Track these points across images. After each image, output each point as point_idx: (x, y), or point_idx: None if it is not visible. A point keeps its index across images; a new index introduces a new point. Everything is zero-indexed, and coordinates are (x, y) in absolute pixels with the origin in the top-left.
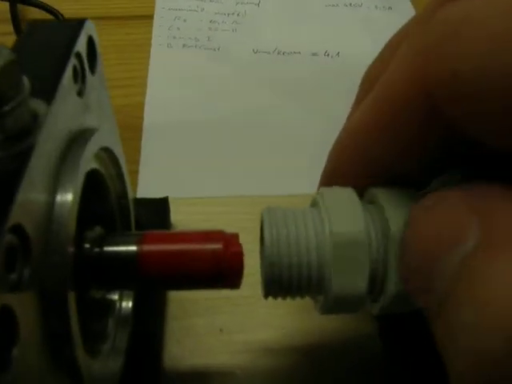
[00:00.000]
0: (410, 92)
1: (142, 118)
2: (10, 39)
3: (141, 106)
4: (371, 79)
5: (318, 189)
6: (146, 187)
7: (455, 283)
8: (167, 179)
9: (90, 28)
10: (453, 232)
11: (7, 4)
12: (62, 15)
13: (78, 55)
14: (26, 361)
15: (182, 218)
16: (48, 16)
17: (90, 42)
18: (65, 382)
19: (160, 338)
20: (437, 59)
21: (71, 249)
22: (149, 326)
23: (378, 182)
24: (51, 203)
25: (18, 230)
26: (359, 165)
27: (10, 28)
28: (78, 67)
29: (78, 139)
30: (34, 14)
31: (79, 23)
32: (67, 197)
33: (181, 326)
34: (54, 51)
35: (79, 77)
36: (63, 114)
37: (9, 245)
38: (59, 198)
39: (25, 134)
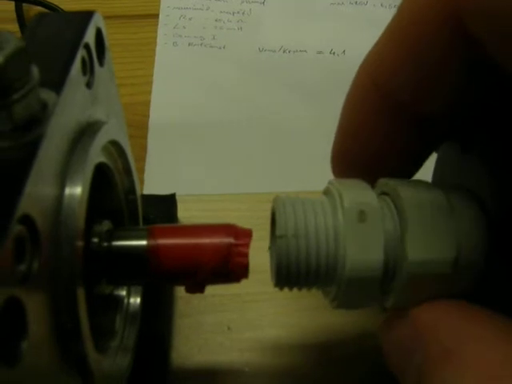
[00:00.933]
0: (434, 9)
1: (147, 116)
2: None
3: (147, 104)
4: None
5: (333, 150)
6: (152, 184)
7: None
8: (173, 176)
9: (98, 20)
10: (409, 345)
11: (13, 3)
12: None
13: (87, 46)
14: (36, 356)
15: (188, 215)
16: None
17: (99, 34)
18: (75, 378)
19: (168, 335)
20: None
21: (80, 242)
22: (157, 323)
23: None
24: (60, 195)
25: (26, 220)
26: (377, 104)
27: (16, 27)
28: (87, 58)
29: (87, 131)
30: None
31: (87, 15)
32: (76, 189)
33: (189, 323)
34: (62, 42)
35: (88, 68)
36: (72, 104)
37: (18, 235)
38: (68, 190)
39: (33, 124)
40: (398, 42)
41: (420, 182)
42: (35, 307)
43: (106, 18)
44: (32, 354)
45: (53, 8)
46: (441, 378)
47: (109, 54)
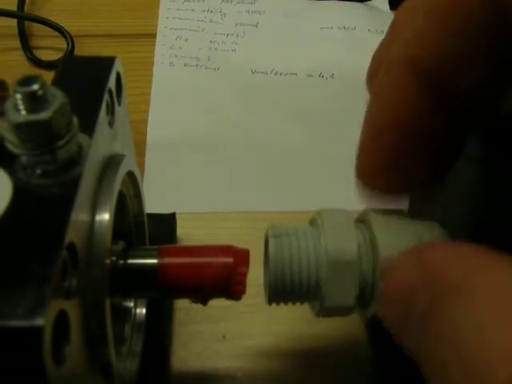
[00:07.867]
0: None
1: (145, 133)
2: (17, 54)
3: (144, 122)
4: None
5: (362, 134)
6: (150, 202)
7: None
8: (170, 194)
9: (118, 65)
10: (413, 288)
11: (15, 20)
12: (67, 32)
13: (110, 91)
14: (75, 359)
15: (185, 233)
16: (54, 33)
17: (118, 78)
18: (99, 380)
19: (169, 342)
20: None
21: (108, 261)
22: (159, 331)
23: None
24: (91, 221)
25: (70, 247)
26: (417, 84)
27: (18, 43)
28: (109, 101)
29: (110, 164)
30: (40, 30)
31: (110, 61)
32: (105, 216)
33: (188, 331)
34: (89, 88)
35: (110, 109)
36: (100, 143)
37: (64, 259)
38: (98, 216)
39: (72, 164)
40: (437, 21)
41: (395, 214)
42: (75, 317)
43: (106, 36)
44: (72, 357)
45: (53, 26)
46: (449, 317)
47: (125, 93)
